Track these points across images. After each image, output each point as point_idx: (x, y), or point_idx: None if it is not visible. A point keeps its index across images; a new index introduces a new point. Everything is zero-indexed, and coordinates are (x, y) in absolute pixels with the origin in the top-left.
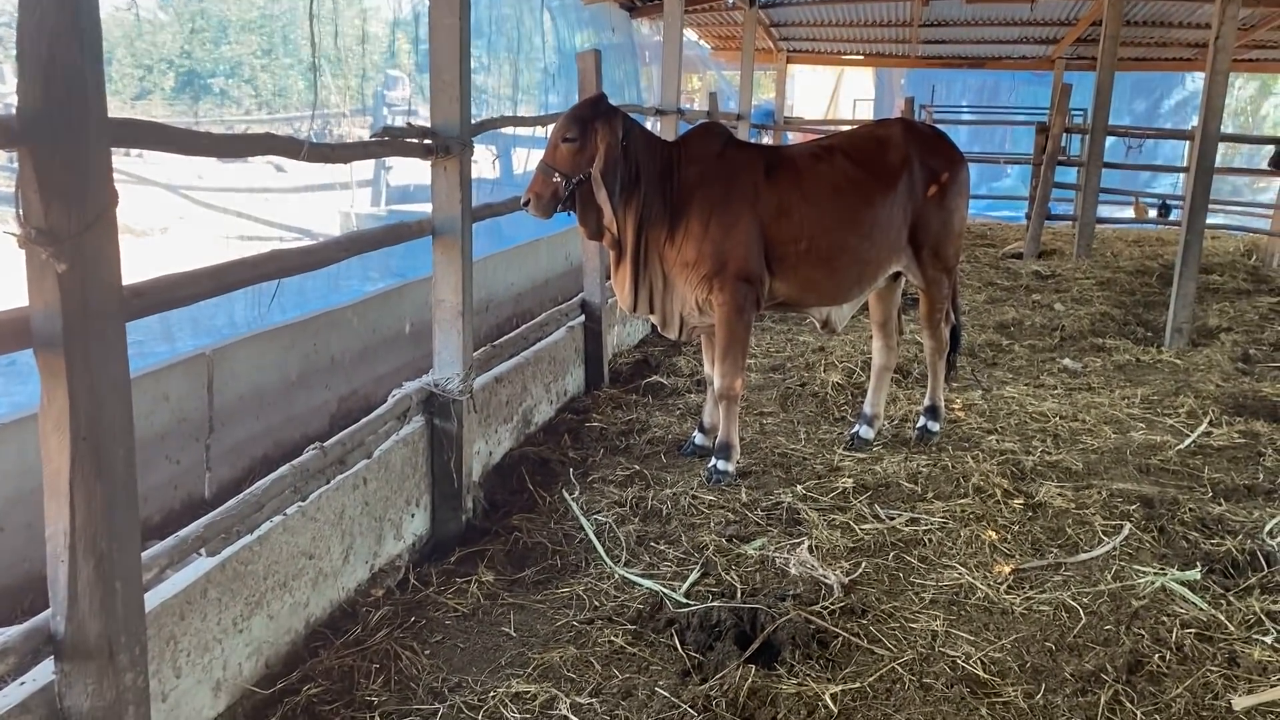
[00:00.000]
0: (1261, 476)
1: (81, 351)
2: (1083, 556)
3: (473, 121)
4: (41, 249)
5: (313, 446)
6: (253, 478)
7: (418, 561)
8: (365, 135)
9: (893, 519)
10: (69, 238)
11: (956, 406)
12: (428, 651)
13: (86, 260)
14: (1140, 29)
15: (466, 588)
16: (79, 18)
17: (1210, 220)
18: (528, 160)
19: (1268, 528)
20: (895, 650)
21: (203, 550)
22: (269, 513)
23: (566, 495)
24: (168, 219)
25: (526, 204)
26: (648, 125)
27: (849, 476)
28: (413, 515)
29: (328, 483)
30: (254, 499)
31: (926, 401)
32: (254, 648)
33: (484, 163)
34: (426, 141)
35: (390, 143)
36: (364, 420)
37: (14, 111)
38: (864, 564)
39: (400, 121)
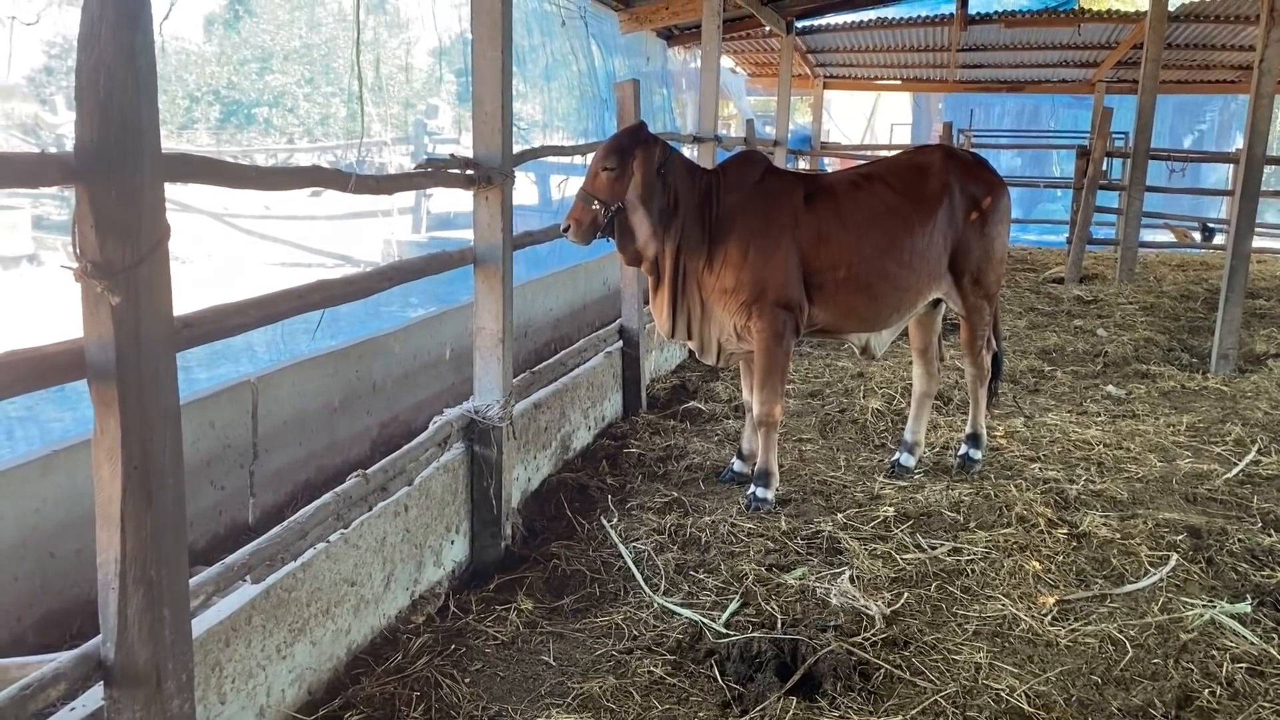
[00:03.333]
0: None
1: (134, 382)
2: (1129, 587)
3: (514, 151)
4: (96, 282)
5: (355, 474)
6: (295, 503)
7: (457, 588)
8: (407, 163)
9: (935, 549)
10: (123, 271)
11: (999, 434)
12: (468, 680)
13: (139, 293)
14: (1182, 52)
15: (506, 615)
16: (135, 57)
17: (1256, 244)
18: (565, 187)
19: None
20: (938, 683)
21: (248, 577)
22: (312, 540)
23: (605, 522)
24: (212, 245)
25: (566, 230)
26: (684, 152)
27: (890, 505)
28: (452, 542)
29: (370, 510)
30: (298, 526)
31: (968, 429)
32: (297, 674)
33: (522, 189)
34: (469, 172)
35: (433, 174)
36: (406, 447)
37: (71, 148)
38: (906, 594)
39: (441, 150)
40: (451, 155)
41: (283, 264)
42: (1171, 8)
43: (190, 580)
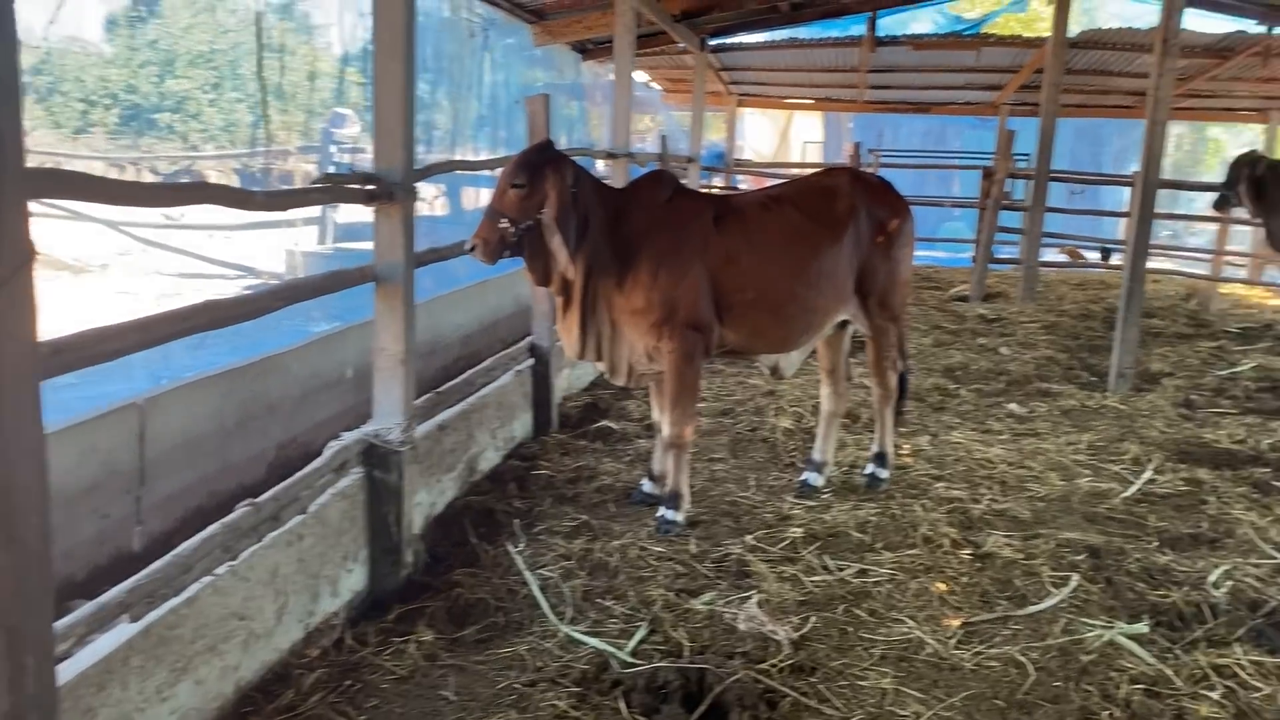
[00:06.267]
0: (1205, 525)
1: None
2: (1031, 609)
3: (417, 166)
4: None
5: (245, 503)
6: (186, 530)
7: (355, 619)
8: (314, 171)
9: (842, 570)
10: None
11: (905, 452)
12: (363, 717)
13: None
14: (1082, 77)
15: (405, 648)
16: None
17: (1151, 264)
18: (477, 198)
19: (1212, 578)
20: (844, 710)
21: (126, 616)
22: (198, 574)
23: (511, 548)
24: (108, 255)
25: (472, 249)
26: (598, 168)
27: (799, 526)
28: (350, 571)
29: (260, 540)
30: (181, 560)
31: (874, 448)
32: (179, 716)
33: (432, 200)
34: (370, 187)
35: (331, 189)
36: (299, 474)
37: None
38: (813, 618)
39: (349, 159)
40: (351, 170)
41: (181, 274)
42: (1071, 34)
43: (60, 622)
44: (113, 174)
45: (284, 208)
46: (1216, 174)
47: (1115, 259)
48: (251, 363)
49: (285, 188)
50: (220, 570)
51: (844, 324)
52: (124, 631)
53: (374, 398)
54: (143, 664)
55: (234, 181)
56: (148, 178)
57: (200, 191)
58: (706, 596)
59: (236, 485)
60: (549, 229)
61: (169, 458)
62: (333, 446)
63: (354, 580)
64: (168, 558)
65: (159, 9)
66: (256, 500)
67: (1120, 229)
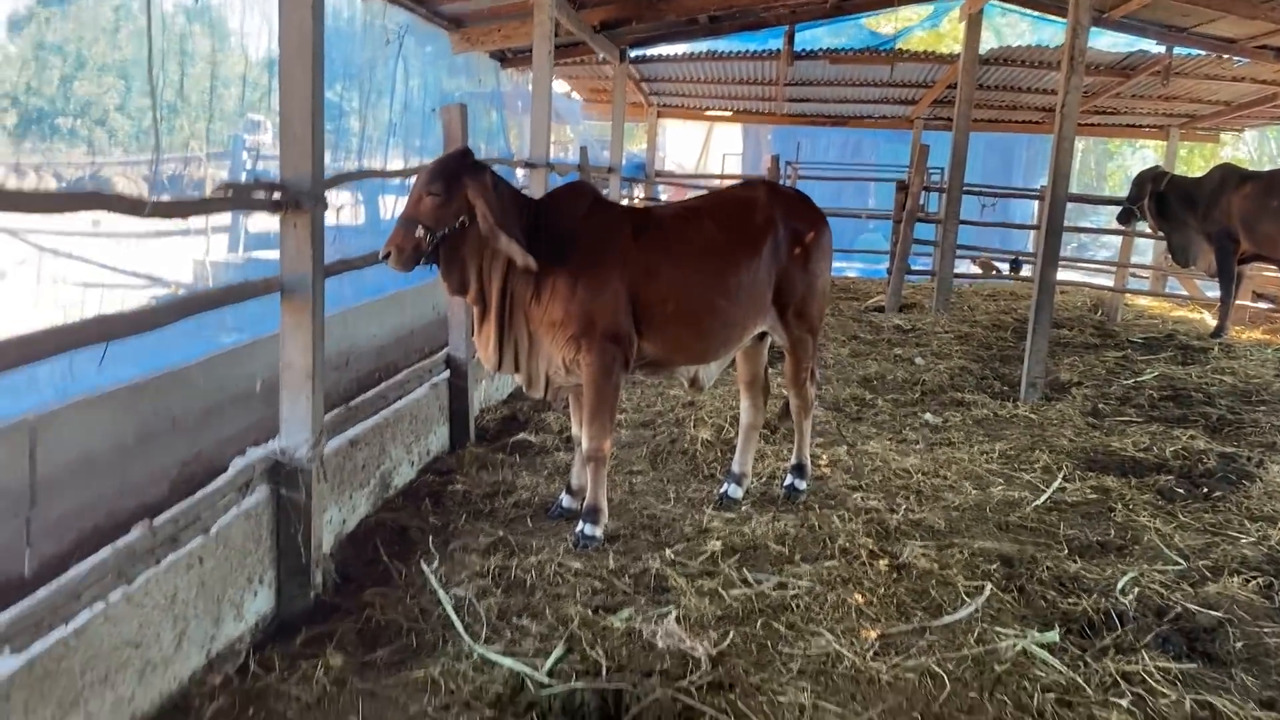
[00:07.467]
0: (1113, 532)
1: None
2: (946, 619)
3: (326, 175)
4: None
5: (140, 524)
6: (81, 552)
7: (260, 644)
8: (225, 178)
9: (761, 584)
10: None
11: (823, 463)
12: None
13: None
14: (993, 93)
15: (312, 673)
16: None
17: (1059, 276)
18: (395, 207)
19: (1120, 585)
20: None
21: (6, 648)
22: (88, 600)
23: (425, 566)
24: (5, 263)
25: (386, 257)
26: (517, 176)
27: (718, 539)
28: (255, 593)
29: (158, 564)
30: (70, 587)
31: (793, 459)
32: None
33: (349, 209)
34: (275, 196)
35: (234, 198)
36: (200, 493)
37: None
38: (732, 633)
39: (263, 166)
40: (256, 179)
41: (85, 284)
42: (982, 51)
43: None
44: (12, 180)
45: (185, 216)
46: (1120, 187)
47: (1025, 270)
48: (155, 376)
49: (182, 198)
50: (113, 597)
51: (762, 336)
52: (5, 665)
53: (281, 414)
54: (26, 699)
55: (142, 188)
56: (50, 184)
57: (96, 200)
58: (624, 613)
59: (137, 504)
60: (493, 235)
61: (64, 477)
62: (237, 464)
63: (260, 603)
64: (54, 585)
65: (67, 10)
66: (153, 521)
67: (1030, 241)
